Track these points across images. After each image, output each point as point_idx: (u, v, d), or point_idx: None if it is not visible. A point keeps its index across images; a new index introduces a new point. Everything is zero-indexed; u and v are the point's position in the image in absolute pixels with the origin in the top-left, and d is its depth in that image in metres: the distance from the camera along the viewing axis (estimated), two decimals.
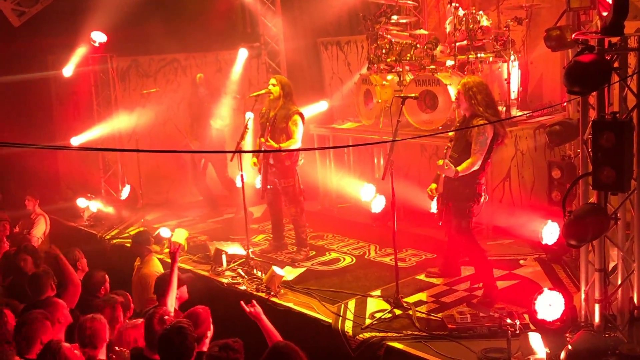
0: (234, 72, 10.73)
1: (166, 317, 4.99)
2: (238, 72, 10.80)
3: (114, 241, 9.05)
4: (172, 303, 5.64)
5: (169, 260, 7.34)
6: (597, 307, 5.09)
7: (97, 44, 10.06)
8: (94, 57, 10.45)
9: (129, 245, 8.69)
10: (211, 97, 9.82)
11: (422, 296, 6.46)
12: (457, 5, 8.35)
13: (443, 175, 6.22)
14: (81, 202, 10.10)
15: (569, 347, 4.75)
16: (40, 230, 9.23)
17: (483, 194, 6.25)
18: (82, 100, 11.11)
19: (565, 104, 7.92)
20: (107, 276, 6.64)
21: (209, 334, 5.02)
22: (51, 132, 11.53)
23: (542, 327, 5.16)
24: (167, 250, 7.94)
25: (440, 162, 6.01)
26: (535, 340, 4.89)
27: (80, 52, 10.35)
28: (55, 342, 4.76)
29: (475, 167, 6.10)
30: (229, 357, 4.38)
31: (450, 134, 6.56)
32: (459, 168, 6.04)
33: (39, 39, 10.63)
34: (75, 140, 10.39)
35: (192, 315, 4.95)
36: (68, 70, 10.50)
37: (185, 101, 10.48)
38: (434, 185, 6.38)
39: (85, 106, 11.07)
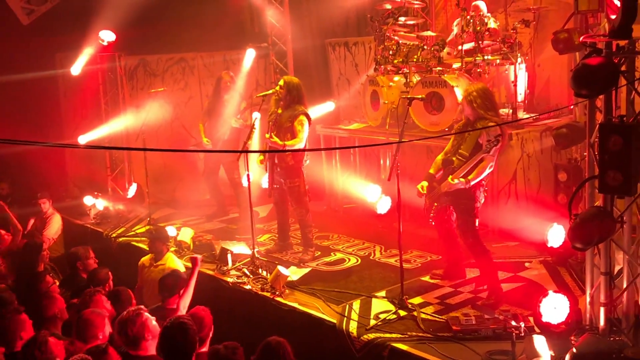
0: (242, 73, 10.69)
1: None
2: (245, 72, 10.77)
3: (120, 239, 9.06)
4: (185, 305, 5.73)
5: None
6: (602, 310, 5.08)
7: (105, 43, 10.10)
8: (102, 55, 10.51)
9: (135, 243, 8.73)
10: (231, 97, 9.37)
11: (427, 298, 6.47)
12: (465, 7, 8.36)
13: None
14: (88, 200, 10.14)
15: (574, 350, 4.75)
16: (53, 229, 9.27)
17: (483, 193, 6.27)
18: (90, 98, 11.16)
19: (572, 106, 7.91)
20: (110, 273, 6.69)
21: (210, 334, 5.05)
22: (59, 130, 11.59)
23: (547, 329, 5.17)
24: (173, 249, 8.00)
25: (455, 180, 6.06)
26: (540, 343, 4.88)
27: (88, 51, 10.40)
28: (43, 334, 4.74)
29: (488, 171, 6.14)
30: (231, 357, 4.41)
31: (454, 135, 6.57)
32: (470, 177, 6.06)
33: (47, 37, 10.69)
34: (83, 139, 10.44)
35: (196, 318, 4.96)
36: (76, 69, 10.55)
37: (195, 99, 10.37)
38: (425, 183, 6.41)
39: (93, 105, 11.12)
